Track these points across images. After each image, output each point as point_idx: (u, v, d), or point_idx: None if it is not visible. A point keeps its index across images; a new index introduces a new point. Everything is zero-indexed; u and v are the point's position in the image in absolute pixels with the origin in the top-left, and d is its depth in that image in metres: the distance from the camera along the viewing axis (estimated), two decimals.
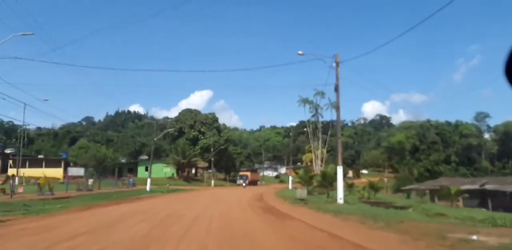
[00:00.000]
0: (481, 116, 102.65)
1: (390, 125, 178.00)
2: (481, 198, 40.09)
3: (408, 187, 49.85)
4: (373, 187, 29.88)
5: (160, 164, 67.01)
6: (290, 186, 47.54)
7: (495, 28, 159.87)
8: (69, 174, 49.49)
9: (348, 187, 33.82)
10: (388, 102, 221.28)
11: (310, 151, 73.43)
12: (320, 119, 63.38)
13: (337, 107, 20.88)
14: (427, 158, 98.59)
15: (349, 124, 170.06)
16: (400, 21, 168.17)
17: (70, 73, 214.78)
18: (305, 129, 61.79)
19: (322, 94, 61.10)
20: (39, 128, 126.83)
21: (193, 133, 69.88)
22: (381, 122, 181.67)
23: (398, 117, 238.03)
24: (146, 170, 67.34)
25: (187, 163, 64.04)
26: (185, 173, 68.06)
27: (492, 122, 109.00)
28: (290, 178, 48.68)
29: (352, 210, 16.47)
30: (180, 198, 30.82)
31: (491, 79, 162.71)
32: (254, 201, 26.68)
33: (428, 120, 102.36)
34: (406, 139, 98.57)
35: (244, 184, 62.50)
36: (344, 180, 27.97)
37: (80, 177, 48.82)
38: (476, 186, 39.59)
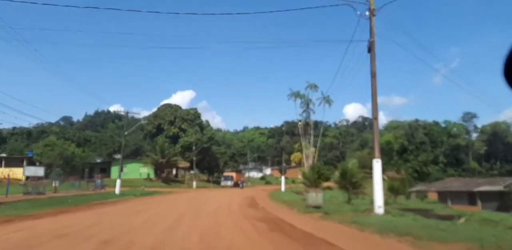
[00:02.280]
0: (469, 116, 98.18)
1: (372, 127, 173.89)
2: (501, 200, 34.12)
3: (415, 188, 43.43)
4: (393, 190, 23.14)
5: (137, 163, 59.13)
6: (283, 188, 40.56)
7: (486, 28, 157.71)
8: (27, 174, 41.47)
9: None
10: (369, 104, 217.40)
11: (298, 150, 66.67)
12: (311, 115, 56.70)
13: (372, 74, 14.09)
14: (415, 158, 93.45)
15: (332, 125, 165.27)
16: None
17: (49, 72, 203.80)
18: (300, 123, 54.99)
19: (314, 87, 54.54)
20: (14, 128, 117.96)
21: (173, 130, 62.09)
22: (364, 124, 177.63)
23: (380, 120, 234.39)
24: (121, 170, 59.47)
25: (166, 162, 56.34)
26: (164, 174, 60.24)
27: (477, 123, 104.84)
28: (283, 179, 41.80)
29: (420, 228, 9.59)
30: (151, 204, 23.43)
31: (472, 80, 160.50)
32: (248, 208, 19.61)
33: (416, 120, 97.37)
34: (395, 139, 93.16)
35: (241, 185, 57.18)
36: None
37: (39, 177, 40.89)
38: (498, 187, 33.52)
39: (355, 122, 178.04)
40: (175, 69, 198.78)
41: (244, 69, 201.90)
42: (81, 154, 54.33)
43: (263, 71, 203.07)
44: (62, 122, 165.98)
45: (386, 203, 22.74)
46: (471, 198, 36.27)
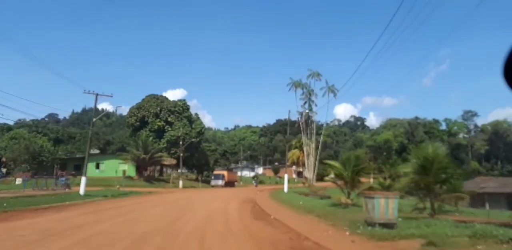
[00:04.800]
0: (469, 115, 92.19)
1: (364, 126, 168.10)
2: None
3: None
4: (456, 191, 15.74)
5: (116, 160, 50.95)
6: (285, 189, 33.16)
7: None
8: None
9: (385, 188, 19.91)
10: (360, 105, 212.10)
11: (296, 147, 59.31)
12: (314, 108, 49.41)
13: None
14: None
15: (324, 125, 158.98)
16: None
17: (38, 69, 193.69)
18: (306, 111, 47.65)
19: (317, 76, 47.31)
20: None
21: (159, 123, 53.97)
22: (356, 124, 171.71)
23: (370, 120, 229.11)
24: (97, 167, 51.37)
25: (149, 159, 48.29)
26: (147, 172, 52.22)
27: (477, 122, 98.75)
28: (286, 178, 34.45)
29: None
30: (111, 212, 15.81)
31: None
32: (255, 220, 12.17)
33: (416, 118, 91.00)
34: (394, 137, 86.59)
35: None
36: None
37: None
38: None
39: (347, 122, 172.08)
40: (166, 67, 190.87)
41: (235, 68, 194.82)
42: (51, 148, 45.96)
43: (254, 70, 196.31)
44: (48, 119, 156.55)
45: (440, 210, 15.31)
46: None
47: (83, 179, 27.95)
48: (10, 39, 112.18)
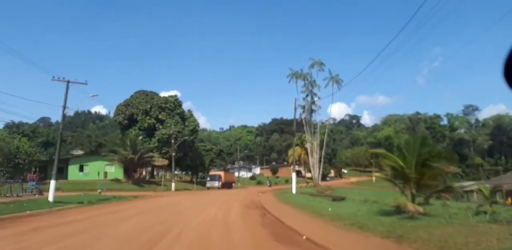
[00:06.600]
0: (470, 109, 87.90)
1: (360, 125, 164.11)
2: None
3: (468, 185, 30.75)
4: None
5: (102, 161, 45.52)
6: (294, 189, 28.11)
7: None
8: None
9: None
10: (354, 104, 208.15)
11: (298, 145, 54.25)
12: (316, 101, 44.47)
13: None
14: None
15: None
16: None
17: (34, 71, 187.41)
18: (304, 106, 42.53)
19: (320, 65, 42.44)
20: None
21: (149, 121, 48.62)
22: (351, 122, 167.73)
23: (364, 118, 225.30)
24: (81, 169, 45.89)
25: (138, 159, 42.99)
26: (137, 174, 46.80)
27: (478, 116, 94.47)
28: (294, 177, 29.47)
29: None
30: (66, 229, 10.58)
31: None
32: (281, 244, 7.06)
33: (417, 113, 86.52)
34: (395, 133, 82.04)
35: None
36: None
37: None
38: None
39: (342, 121, 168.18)
40: (159, 69, 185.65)
41: (229, 69, 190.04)
42: (29, 149, 40.48)
43: (249, 70, 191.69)
44: (40, 123, 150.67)
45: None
46: None
47: (52, 183, 22.58)
48: (4, 41, 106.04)
